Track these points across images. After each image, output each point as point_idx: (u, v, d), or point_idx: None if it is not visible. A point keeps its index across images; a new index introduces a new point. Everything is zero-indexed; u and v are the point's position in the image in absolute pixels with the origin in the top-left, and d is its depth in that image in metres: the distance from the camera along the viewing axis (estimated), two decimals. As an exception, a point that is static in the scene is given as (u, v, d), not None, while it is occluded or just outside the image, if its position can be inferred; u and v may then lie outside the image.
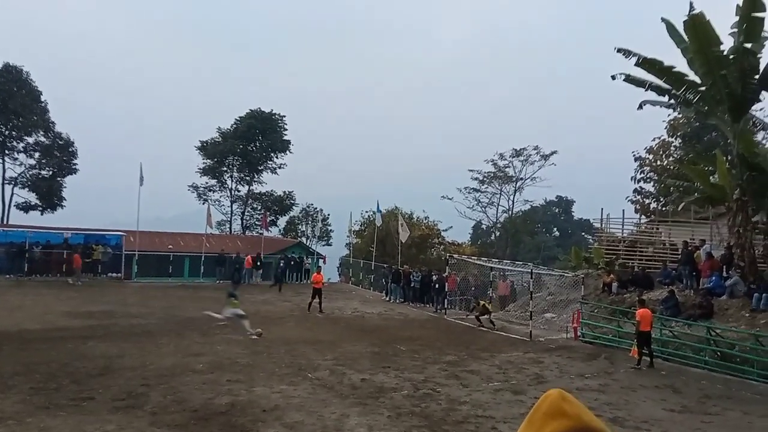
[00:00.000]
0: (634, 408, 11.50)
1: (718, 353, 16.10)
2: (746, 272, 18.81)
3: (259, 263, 34.96)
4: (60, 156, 45.41)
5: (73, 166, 46.28)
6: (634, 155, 40.61)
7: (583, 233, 63.93)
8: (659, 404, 11.95)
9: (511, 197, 57.76)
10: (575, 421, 1.07)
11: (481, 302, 22.73)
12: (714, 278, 19.20)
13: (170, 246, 36.14)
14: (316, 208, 55.92)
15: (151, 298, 25.51)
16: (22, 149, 44.65)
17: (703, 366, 15.88)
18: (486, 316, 21.97)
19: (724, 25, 18.62)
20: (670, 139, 39.39)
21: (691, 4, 18.57)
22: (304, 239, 51.21)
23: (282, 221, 54.39)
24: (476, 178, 57.13)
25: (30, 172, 45.17)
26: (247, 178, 52.23)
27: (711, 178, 21.75)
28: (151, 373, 12.63)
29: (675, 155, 38.41)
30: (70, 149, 45.90)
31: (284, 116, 51.45)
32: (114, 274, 32.32)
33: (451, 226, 55.52)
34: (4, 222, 41.31)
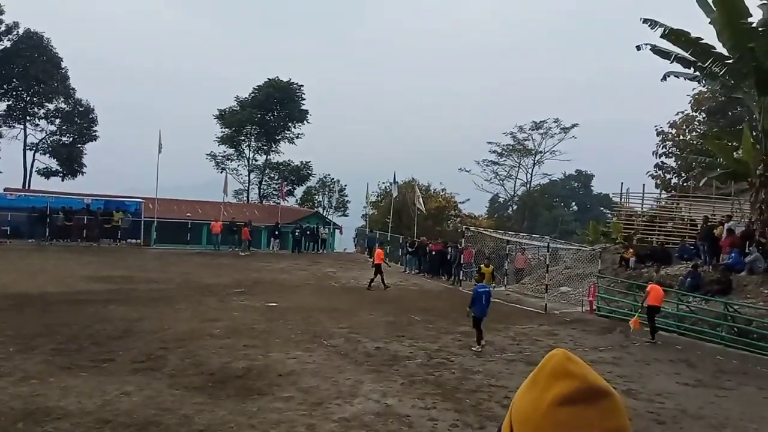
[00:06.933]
0: (647, 381, 11.49)
1: (735, 329, 15.99)
2: (767, 249, 18.54)
3: (276, 232, 35.25)
4: (80, 123, 45.84)
5: (93, 133, 46.72)
6: (656, 130, 40.04)
7: (602, 208, 63.22)
8: (673, 378, 11.93)
9: (530, 170, 57.39)
10: (581, 381, 1.04)
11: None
12: (734, 254, 18.94)
13: (189, 214, 36.48)
14: (333, 179, 56.03)
15: (170, 265, 25.87)
16: (42, 116, 45.16)
17: (719, 341, 15.78)
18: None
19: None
20: (694, 114, 38.73)
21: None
22: (320, 209, 51.40)
23: (299, 191, 54.67)
24: (494, 151, 56.78)
25: (51, 139, 45.74)
26: (265, 147, 52.33)
27: (734, 153, 21.36)
28: (169, 336, 12.85)
29: (698, 130, 37.76)
30: (90, 116, 46.29)
31: (302, 86, 51.31)
32: (133, 240, 32.68)
33: (468, 199, 55.39)
34: (26, 187, 41.96)
